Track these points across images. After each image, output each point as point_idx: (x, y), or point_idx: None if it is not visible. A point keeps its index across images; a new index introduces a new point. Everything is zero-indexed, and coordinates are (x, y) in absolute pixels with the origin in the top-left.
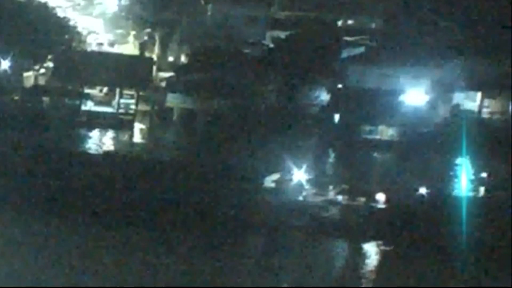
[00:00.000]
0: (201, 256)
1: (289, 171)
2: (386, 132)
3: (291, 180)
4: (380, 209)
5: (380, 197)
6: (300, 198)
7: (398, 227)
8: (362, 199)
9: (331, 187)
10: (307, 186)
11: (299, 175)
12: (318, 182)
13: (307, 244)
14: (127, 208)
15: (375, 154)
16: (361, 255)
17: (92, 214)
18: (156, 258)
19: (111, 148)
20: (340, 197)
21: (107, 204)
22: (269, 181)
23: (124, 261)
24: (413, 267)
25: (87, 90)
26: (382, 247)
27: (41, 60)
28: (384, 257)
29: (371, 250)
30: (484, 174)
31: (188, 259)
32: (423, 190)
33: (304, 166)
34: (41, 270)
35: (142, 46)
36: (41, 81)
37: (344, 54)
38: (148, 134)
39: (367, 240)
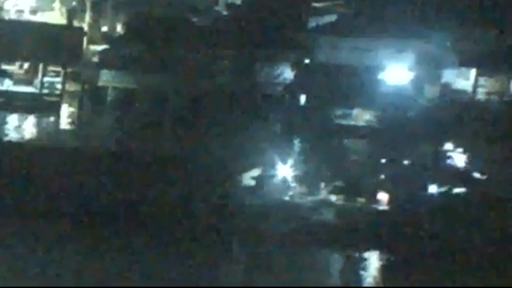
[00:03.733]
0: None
1: (239, 162)
2: (362, 117)
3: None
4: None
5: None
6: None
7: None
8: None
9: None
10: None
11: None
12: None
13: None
14: (54, 209)
15: (349, 143)
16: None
17: (11, 214)
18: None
19: (33, 136)
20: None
21: (29, 203)
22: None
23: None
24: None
25: (3, 66)
26: (384, 257)
27: None
28: (387, 269)
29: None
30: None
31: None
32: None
33: (256, 157)
34: None
35: (70, 14)
36: None
37: (312, 23)
38: (78, 119)
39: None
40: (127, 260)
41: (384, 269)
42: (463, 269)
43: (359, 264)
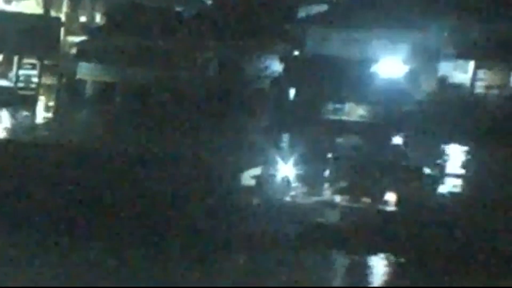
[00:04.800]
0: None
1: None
2: (355, 112)
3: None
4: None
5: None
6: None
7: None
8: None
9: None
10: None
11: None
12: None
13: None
14: (29, 206)
15: (341, 139)
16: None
17: None
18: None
19: (7, 131)
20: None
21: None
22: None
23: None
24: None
25: None
26: (392, 261)
27: None
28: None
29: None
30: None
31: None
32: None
33: (239, 154)
34: None
35: (47, 3)
36: None
37: (302, 13)
38: (55, 114)
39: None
40: (110, 260)
41: (389, 272)
42: (471, 271)
43: (362, 266)
